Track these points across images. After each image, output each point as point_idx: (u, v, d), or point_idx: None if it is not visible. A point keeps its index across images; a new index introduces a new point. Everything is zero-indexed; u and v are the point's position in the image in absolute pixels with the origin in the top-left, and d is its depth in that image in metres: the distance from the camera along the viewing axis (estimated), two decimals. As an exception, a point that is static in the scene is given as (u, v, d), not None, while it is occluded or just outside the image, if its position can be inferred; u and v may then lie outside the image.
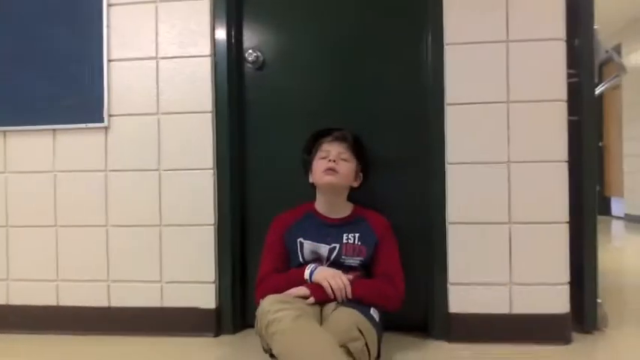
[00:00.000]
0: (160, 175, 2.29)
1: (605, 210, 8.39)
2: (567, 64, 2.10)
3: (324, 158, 1.99)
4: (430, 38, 2.16)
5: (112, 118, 2.32)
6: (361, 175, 2.08)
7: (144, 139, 2.31)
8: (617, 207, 8.22)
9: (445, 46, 2.13)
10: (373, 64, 2.28)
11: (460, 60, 2.12)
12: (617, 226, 7.37)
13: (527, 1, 2.10)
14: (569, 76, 2.13)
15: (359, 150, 2.05)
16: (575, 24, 2.14)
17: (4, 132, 2.40)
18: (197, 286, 2.27)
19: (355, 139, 2.05)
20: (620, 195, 7.98)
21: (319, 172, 1.99)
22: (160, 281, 2.29)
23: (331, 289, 1.80)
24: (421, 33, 2.22)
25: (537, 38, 2.09)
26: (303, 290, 1.81)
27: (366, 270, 1.97)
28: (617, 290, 3.08)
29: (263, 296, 1.75)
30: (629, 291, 3.16)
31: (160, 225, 2.29)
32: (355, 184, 2.07)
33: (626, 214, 7.77)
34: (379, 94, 2.27)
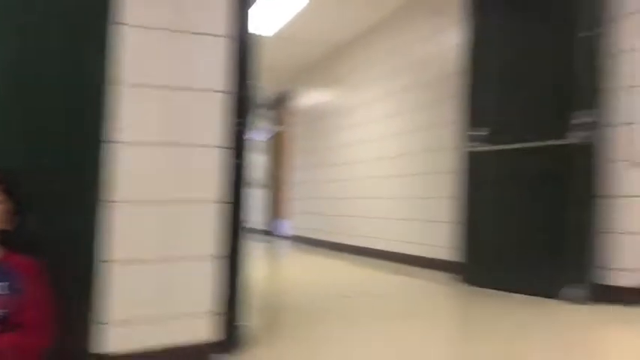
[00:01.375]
0: None
1: (277, 231, 9.45)
2: (237, 113, 2.30)
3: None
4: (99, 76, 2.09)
5: None
6: (15, 216, 1.83)
7: None
8: (285, 228, 9.29)
9: (118, 87, 2.08)
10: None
11: (129, 100, 2.10)
12: (285, 245, 8.34)
13: (191, 51, 2.22)
14: (238, 124, 2.33)
15: (10, 189, 1.82)
16: (242, 78, 2.35)
17: None
18: None
19: (5, 176, 1.83)
20: (289, 217, 9.08)
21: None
22: None
23: None
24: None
25: (197, 88, 2.22)
26: None
27: (15, 319, 1.74)
28: (277, 309, 3.47)
29: None
30: (293, 306, 3.56)
31: None
32: (9, 227, 1.82)
33: (291, 235, 8.82)
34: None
